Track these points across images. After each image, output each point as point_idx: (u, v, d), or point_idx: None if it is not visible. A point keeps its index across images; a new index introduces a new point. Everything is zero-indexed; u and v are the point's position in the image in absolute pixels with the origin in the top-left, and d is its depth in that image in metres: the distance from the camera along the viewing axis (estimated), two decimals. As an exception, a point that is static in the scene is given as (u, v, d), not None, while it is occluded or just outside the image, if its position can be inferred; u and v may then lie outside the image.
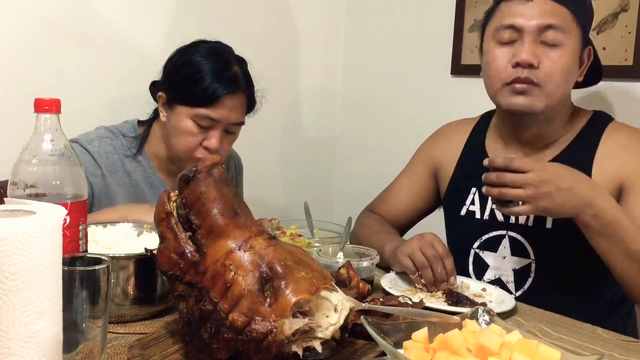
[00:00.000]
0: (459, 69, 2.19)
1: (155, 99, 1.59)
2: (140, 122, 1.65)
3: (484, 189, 1.25)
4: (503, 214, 1.46)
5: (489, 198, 1.45)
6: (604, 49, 1.80)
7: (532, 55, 1.34)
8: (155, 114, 1.62)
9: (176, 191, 0.97)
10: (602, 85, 1.64)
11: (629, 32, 1.76)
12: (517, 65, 1.35)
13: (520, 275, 1.44)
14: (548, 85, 1.35)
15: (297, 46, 2.50)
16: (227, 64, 1.51)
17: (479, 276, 1.49)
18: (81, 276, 0.79)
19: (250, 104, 1.57)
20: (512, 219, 1.45)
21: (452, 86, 2.24)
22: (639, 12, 1.74)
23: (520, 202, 1.22)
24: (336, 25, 2.62)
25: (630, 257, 1.23)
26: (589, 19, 1.45)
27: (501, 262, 1.46)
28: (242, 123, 1.56)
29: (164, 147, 1.60)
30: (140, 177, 1.61)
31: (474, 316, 0.94)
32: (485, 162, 1.25)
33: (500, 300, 1.27)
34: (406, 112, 2.42)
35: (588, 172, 1.37)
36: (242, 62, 1.56)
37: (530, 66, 1.34)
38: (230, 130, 1.54)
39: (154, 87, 1.61)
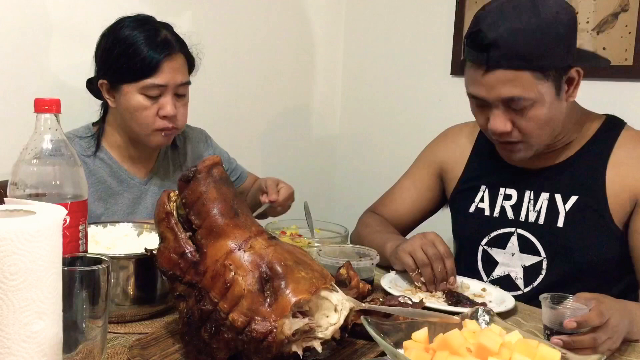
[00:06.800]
0: (459, 69, 2.19)
1: (97, 94, 1.60)
2: (94, 124, 1.65)
3: (561, 341, 1.02)
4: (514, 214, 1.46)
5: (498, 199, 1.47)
6: (604, 49, 1.80)
7: (501, 125, 1.31)
8: (105, 108, 1.63)
9: (176, 191, 0.97)
10: (602, 85, 1.64)
11: (629, 32, 1.76)
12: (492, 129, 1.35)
13: (530, 272, 1.44)
14: (530, 139, 1.34)
15: (297, 46, 2.50)
16: (156, 30, 1.53)
17: (488, 273, 1.49)
18: (81, 276, 0.79)
19: (190, 63, 1.59)
20: (522, 217, 1.45)
21: (452, 86, 2.24)
22: (639, 12, 1.74)
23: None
24: (336, 25, 2.62)
25: None
26: (563, 42, 1.26)
27: (510, 259, 1.46)
28: (189, 82, 1.58)
29: (122, 135, 1.61)
30: (105, 172, 1.61)
31: (474, 316, 0.94)
32: (571, 323, 1.02)
33: (500, 300, 1.27)
34: (406, 112, 2.42)
35: (602, 175, 1.37)
36: (168, 26, 1.58)
37: (504, 133, 1.33)
38: (180, 93, 1.55)
39: (91, 82, 1.61)
